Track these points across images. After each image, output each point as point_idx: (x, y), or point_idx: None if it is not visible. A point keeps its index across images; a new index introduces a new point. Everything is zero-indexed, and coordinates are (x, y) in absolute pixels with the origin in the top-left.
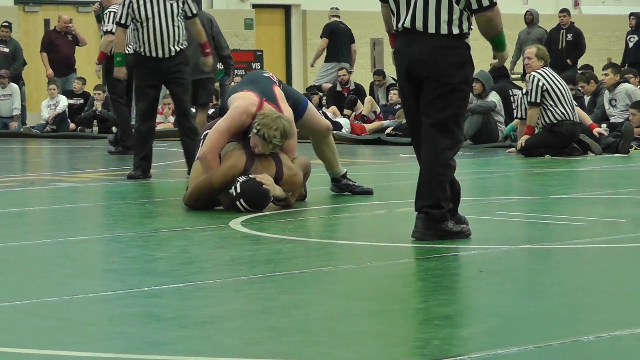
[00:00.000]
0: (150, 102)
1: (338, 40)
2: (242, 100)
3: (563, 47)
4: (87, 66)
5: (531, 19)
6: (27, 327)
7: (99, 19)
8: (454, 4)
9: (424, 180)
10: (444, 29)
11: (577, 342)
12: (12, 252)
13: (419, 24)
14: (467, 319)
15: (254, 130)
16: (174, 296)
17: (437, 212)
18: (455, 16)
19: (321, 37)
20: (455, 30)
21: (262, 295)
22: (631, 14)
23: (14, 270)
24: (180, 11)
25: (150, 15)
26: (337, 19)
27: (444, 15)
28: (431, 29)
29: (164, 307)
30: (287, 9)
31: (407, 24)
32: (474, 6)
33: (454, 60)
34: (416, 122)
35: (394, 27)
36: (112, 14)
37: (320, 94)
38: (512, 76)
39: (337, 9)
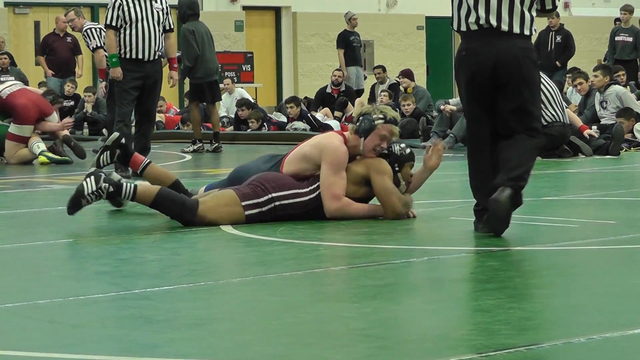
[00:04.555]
0: (133, 104)
1: (349, 48)
2: (327, 140)
3: (552, 49)
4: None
5: None
6: (19, 330)
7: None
8: (534, 4)
9: (519, 162)
10: (527, 30)
11: (568, 343)
12: (3, 255)
13: (503, 24)
14: (458, 321)
15: (380, 120)
16: (165, 298)
17: (522, 183)
18: (533, 17)
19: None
20: (530, 32)
21: (253, 297)
22: (616, 19)
23: (5, 273)
24: (163, 20)
25: (140, 17)
26: (351, 28)
27: (527, 16)
28: (516, 29)
29: (155, 310)
30: (277, 10)
31: (493, 22)
32: (549, 6)
33: (535, 62)
34: (483, 125)
35: (462, 26)
36: (91, 30)
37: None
38: None
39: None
